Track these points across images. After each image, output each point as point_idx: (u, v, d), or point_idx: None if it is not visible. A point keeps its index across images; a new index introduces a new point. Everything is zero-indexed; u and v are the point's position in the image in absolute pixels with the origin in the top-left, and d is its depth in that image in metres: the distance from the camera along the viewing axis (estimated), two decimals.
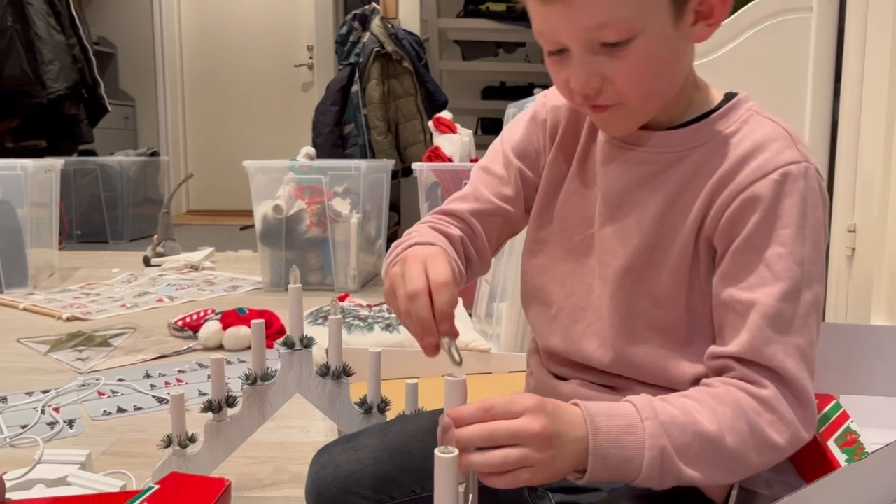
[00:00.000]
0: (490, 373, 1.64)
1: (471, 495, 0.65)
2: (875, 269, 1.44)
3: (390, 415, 1.10)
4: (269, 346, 1.87)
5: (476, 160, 2.35)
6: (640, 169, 0.73)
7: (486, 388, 1.50)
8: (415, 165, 2.22)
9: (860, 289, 1.52)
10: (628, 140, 0.74)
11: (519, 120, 0.86)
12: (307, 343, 1.06)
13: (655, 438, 0.60)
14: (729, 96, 0.73)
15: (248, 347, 1.83)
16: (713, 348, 0.68)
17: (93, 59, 4.08)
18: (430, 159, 2.27)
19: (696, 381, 0.69)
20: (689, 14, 0.66)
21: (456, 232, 0.79)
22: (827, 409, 0.80)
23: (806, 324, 0.66)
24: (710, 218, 0.68)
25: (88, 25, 4.28)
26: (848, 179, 1.56)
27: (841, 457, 0.71)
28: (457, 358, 0.62)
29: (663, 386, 0.71)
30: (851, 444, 0.73)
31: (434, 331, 0.65)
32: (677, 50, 0.68)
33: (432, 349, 0.66)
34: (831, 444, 0.73)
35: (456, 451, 0.57)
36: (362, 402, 1.08)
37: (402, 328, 1.70)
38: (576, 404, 0.62)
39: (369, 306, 1.88)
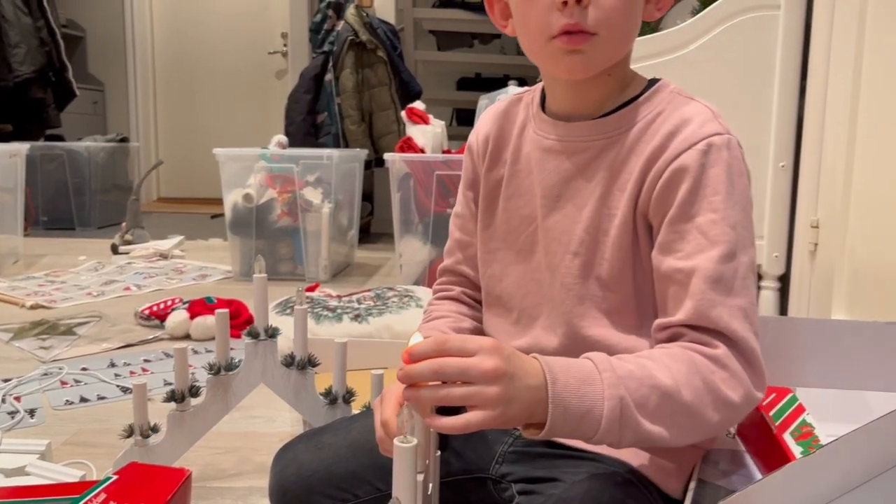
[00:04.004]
0: None
1: (430, 484, 0.66)
2: (836, 264, 1.47)
3: (356, 405, 1.10)
4: (237, 336, 1.85)
5: (448, 151, 2.35)
6: (574, 158, 0.76)
7: None
8: (387, 156, 2.22)
9: (822, 283, 1.55)
10: (559, 133, 0.77)
11: (464, 157, 0.92)
12: (272, 333, 1.06)
13: (614, 388, 0.61)
14: (652, 82, 0.77)
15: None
16: (659, 320, 0.71)
17: (60, 42, 4.00)
18: (402, 150, 2.26)
19: None
20: None
21: (456, 294, 0.91)
22: (783, 402, 0.81)
23: (745, 285, 0.68)
24: (643, 193, 0.72)
25: (57, 8, 4.19)
26: (812, 175, 1.59)
27: (796, 449, 0.73)
28: (405, 430, 0.61)
29: None
30: (806, 437, 0.74)
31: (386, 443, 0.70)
32: (639, 10, 0.73)
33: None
34: (787, 437, 0.74)
35: (415, 441, 0.58)
36: (327, 393, 1.08)
37: (370, 319, 1.70)
38: (534, 357, 0.62)
39: (339, 296, 1.87)
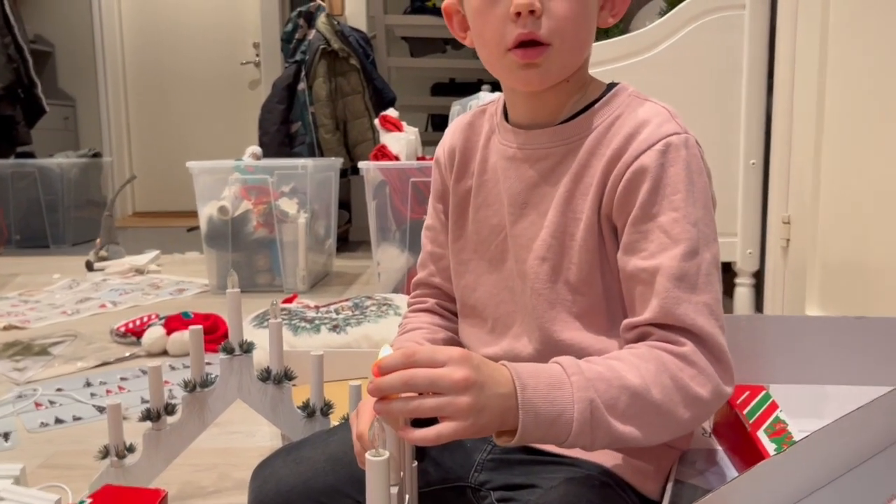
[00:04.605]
0: None
1: (407, 496, 0.65)
2: (808, 260, 1.48)
3: (334, 417, 1.09)
4: (213, 351, 1.84)
5: (423, 158, 2.35)
6: (537, 166, 0.78)
7: None
8: (361, 164, 2.21)
9: (795, 279, 1.56)
10: (523, 142, 0.78)
11: (432, 170, 0.93)
12: (247, 348, 1.05)
13: (583, 391, 0.61)
14: (611, 86, 0.78)
15: None
16: (627, 321, 0.71)
17: (28, 58, 3.96)
18: (376, 158, 2.26)
19: None
20: None
21: (430, 305, 0.91)
22: (756, 399, 0.82)
23: (709, 282, 0.69)
24: (606, 196, 0.73)
25: (24, 23, 4.14)
26: (782, 172, 1.61)
27: (770, 446, 0.73)
28: (377, 443, 0.60)
29: None
30: (780, 434, 0.75)
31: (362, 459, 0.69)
32: (593, 17, 0.74)
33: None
34: (761, 434, 0.75)
35: (387, 454, 0.57)
36: (305, 406, 1.07)
37: (348, 329, 1.69)
38: (503, 365, 0.62)
39: (317, 307, 1.86)
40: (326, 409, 1.07)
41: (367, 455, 0.57)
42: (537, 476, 0.74)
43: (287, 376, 1.06)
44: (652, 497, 0.76)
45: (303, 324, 1.70)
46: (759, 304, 1.78)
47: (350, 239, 3.83)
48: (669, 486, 0.76)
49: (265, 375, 1.06)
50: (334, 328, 1.69)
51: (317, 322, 1.71)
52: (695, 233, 0.69)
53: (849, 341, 0.91)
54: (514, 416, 0.61)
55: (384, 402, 0.60)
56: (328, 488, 0.86)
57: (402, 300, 1.93)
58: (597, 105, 0.75)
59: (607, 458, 0.76)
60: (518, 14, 0.69)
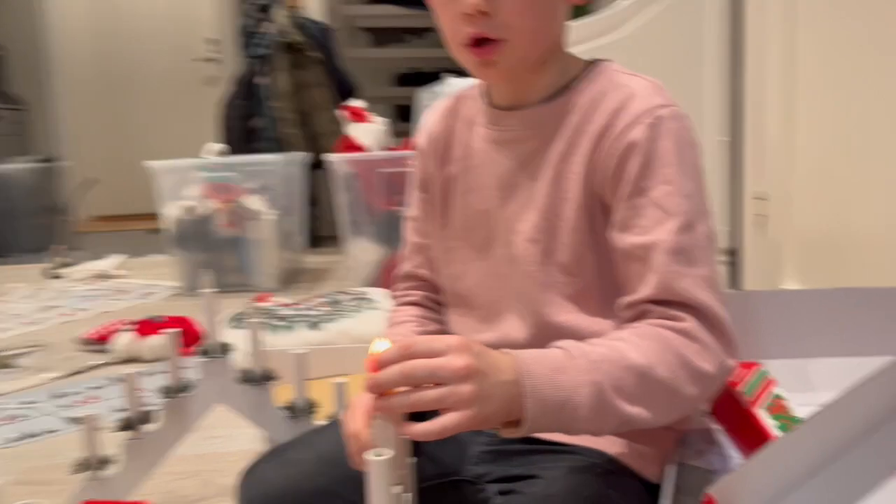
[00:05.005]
0: None
1: (409, 494, 0.63)
2: (785, 235, 1.49)
3: (319, 417, 1.06)
4: (188, 354, 1.79)
5: (393, 149, 2.32)
6: (523, 147, 0.76)
7: None
8: (330, 157, 2.17)
9: (772, 255, 1.57)
10: (506, 124, 0.76)
11: (413, 159, 0.90)
12: (226, 350, 1.02)
13: (588, 374, 0.60)
14: (592, 62, 0.77)
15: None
16: (624, 299, 0.70)
17: None
18: (343, 150, 2.22)
19: None
20: None
21: (418, 298, 0.88)
22: (751, 376, 0.81)
23: (706, 255, 0.68)
24: (595, 173, 0.71)
25: None
26: (757, 148, 1.61)
27: (771, 423, 0.73)
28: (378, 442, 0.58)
29: None
30: (780, 410, 0.74)
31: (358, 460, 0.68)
32: (553, 2, 0.72)
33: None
34: (760, 412, 0.74)
35: (390, 454, 0.55)
36: (289, 407, 1.04)
37: (326, 325, 1.66)
38: (504, 352, 0.60)
39: (291, 305, 1.82)
40: (311, 408, 1.04)
41: (369, 455, 0.55)
42: (537, 466, 0.72)
43: (269, 377, 1.03)
44: (653, 481, 0.74)
45: (278, 322, 1.66)
46: (735, 281, 1.78)
47: (319, 234, 3.78)
48: (670, 468, 0.75)
49: (246, 377, 1.03)
50: (311, 325, 1.65)
51: (292, 320, 1.68)
52: (689, 206, 0.68)
53: (837, 313, 0.91)
54: (519, 405, 0.59)
55: (383, 398, 0.58)
56: (320, 490, 0.83)
57: (378, 294, 1.90)
58: (580, 81, 0.74)
59: (609, 445, 0.74)
60: (470, 15, 0.68)
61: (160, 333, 1.90)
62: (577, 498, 0.66)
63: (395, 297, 0.94)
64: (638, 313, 0.69)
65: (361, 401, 0.73)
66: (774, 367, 0.87)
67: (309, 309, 1.78)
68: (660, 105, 0.69)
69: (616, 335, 0.66)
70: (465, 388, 0.56)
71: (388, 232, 2.16)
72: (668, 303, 0.67)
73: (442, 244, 0.87)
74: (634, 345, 0.64)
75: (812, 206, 1.41)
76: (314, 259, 3.23)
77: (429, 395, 0.56)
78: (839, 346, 0.93)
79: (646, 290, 0.68)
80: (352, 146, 2.18)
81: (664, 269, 0.67)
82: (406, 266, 0.93)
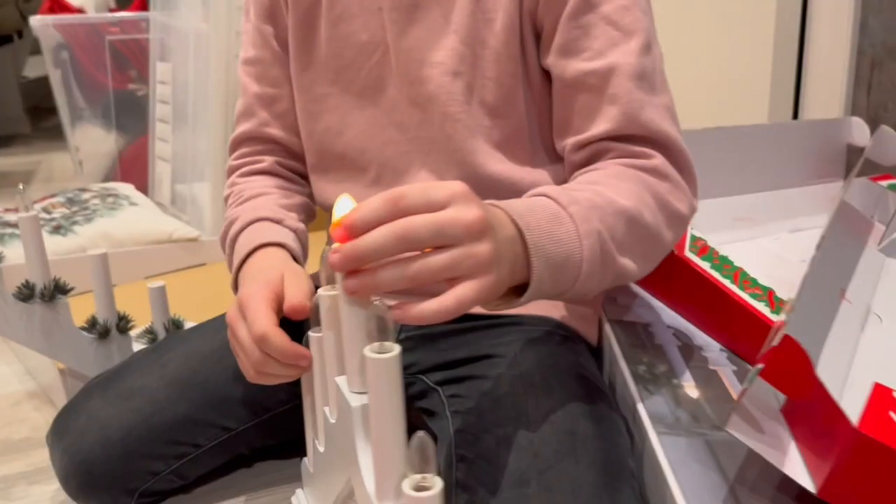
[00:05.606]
0: (203, 264, 1.39)
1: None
2: None
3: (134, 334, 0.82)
4: None
5: (116, 10, 1.91)
6: None
7: (208, 284, 1.26)
8: (35, 20, 1.71)
9: None
10: None
11: None
12: None
13: (587, 223, 0.49)
14: None
15: None
16: (573, 139, 0.60)
17: None
18: (52, 12, 1.76)
19: None
20: None
21: (268, 165, 0.72)
22: None
23: (664, 80, 0.60)
24: None
25: None
26: None
27: (704, 264, 0.68)
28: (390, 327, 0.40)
29: None
30: (706, 251, 0.70)
31: (303, 353, 0.52)
32: None
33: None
34: (689, 255, 0.69)
35: (397, 349, 0.39)
36: (92, 325, 0.79)
37: (76, 228, 1.33)
38: (492, 203, 0.47)
39: (7, 210, 1.44)
40: (124, 324, 0.80)
41: (367, 352, 0.38)
42: (484, 345, 0.61)
43: (60, 289, 0.76)
44: (593, 343, 0.68)
45: (6, 230, 1.29)
46: None
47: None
48: (608, 327, 0.69)
49: (27, 292, 0.75)
50: (56, 230, 1.31)
51: None
52: (647, 22, 0.59)
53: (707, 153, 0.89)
54: (523, 266, 0.46)
55: (366, 275, 0.41)
56: (181, 420, 0.66)
57: (127, 189, 1.58)
58: None
59: (552, 310, 0.65)
60: None
61: None
62: (554, 372, 0.56)
63: (233, 167, 0.74)
64: (592, 153, 0.59)
65: (257, 295, 0.55)
66: None
67: (43, 212, 1.42)
68: None
69: (593, 178, 0.56)
70: (483, 248, 0.42)
71: (123, 115, 1.80)
72: (630, 138, 0.58)
73: (306, 92, 0.69)
74: (615, 187, 0.54)
75: None
76: (5, 161, 2.65)
77: (438, 261, 0.41)
78: (720, 186, 0.94)
79: (603, 124, 0.58)
80: (65, 7, 1.74)
81: (628, 98, 0.57)
82: (245, 126, 0.73)
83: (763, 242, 0.90)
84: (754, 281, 0.68)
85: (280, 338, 0.52)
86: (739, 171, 0.96)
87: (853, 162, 1.01)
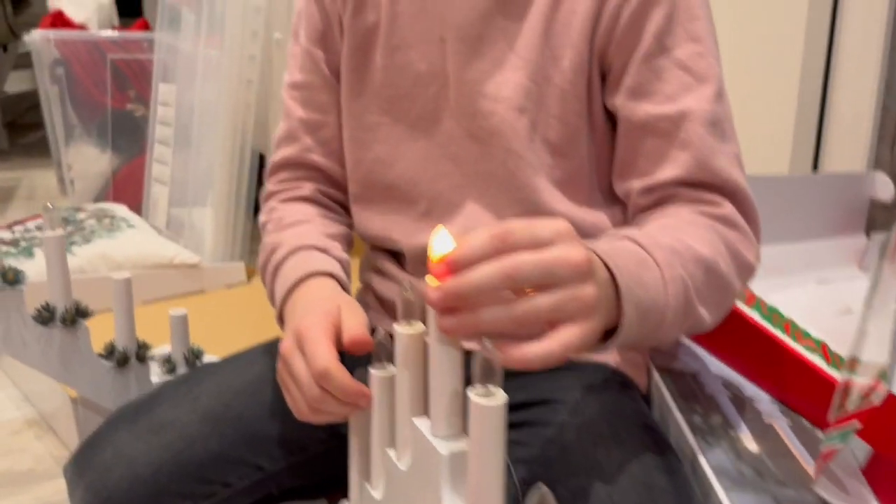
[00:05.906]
0: (202, 290, 1.35)
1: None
2: None
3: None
4: None
5: (119, 28, 1.88)
6: None
7: (208, 312, 1.22)
8: (35, 35, 1.67)
9: None
10: None
11: (300, 3, 0.69)
12: (15, 278, 0.69)
13: (671, 269, 0.48)
14: None
15: None
16: (640, 182, 0.58)
17: None
18: (54, 27, 1.73)
19: None
20: None
21: (309, 192, 0.70)
22: None
23: (733, 128, 0.60)
24: (602, 26, 0.58)
25: None
26: None
27: (754, 314, 0.68)
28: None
29: None
30: (753, 301, 0.70)
31: (364, 392, 0.48)
32: None
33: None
34: (739, 305, 0.68)
35: (502, 398, 0.37)
36: (111, 352, 0.75)
37: (75, 249, 1.29)
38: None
39: (10, 226, 1.39)
40: (144, 351, 0.77)
41: (473, 396, 0.36)
42: (540, 388, 0.59)
43: (81, 312, 0.73)
44: (643, 390, 0.66)
45: (4, 248, 1.25)
46: None
47: None
48: (656, 375, 0.67)
49: (46, 315, 0.71)
50: None
51: (24, 244, 1.27)
52: (719, 70, 0.59)
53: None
54: (614, 310, 0.45)
55: (466, 315, 0.39)
56: (213, 457, 0.62)
57: (122, 211, 1.54)
58: None
59: (606, 355, 0.64)
60: None
61: None
62: (620, 421, 0.55)
63: (271, 194, 0.72)
64: (660, 198, 0.58)
65: (317, 325, 0.52)
66: None
67: (35, 230, 1.37)
68: None
69: (668, 223, 0.55)
70: (588, 291, 0.41)
71: (120, 135, 1.76)
72: (700, 185, 0.57)
73: (356, 120, 0.67)
74: (692, 234, 0.53)
75: None
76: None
77: (545, 303, 0.39)
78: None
79: (673, 169, 0.57)
80: (65, 22, 1.71)
81: (700, 144, 0.57)
82: (287, 151, 0.71)
83: (793, 293, 0.90)
84: (806, 333, 0.67)
85: (342, 374, 0.49)
86: (763, 221, 0.96)
87: (875, 217, 1.02)
